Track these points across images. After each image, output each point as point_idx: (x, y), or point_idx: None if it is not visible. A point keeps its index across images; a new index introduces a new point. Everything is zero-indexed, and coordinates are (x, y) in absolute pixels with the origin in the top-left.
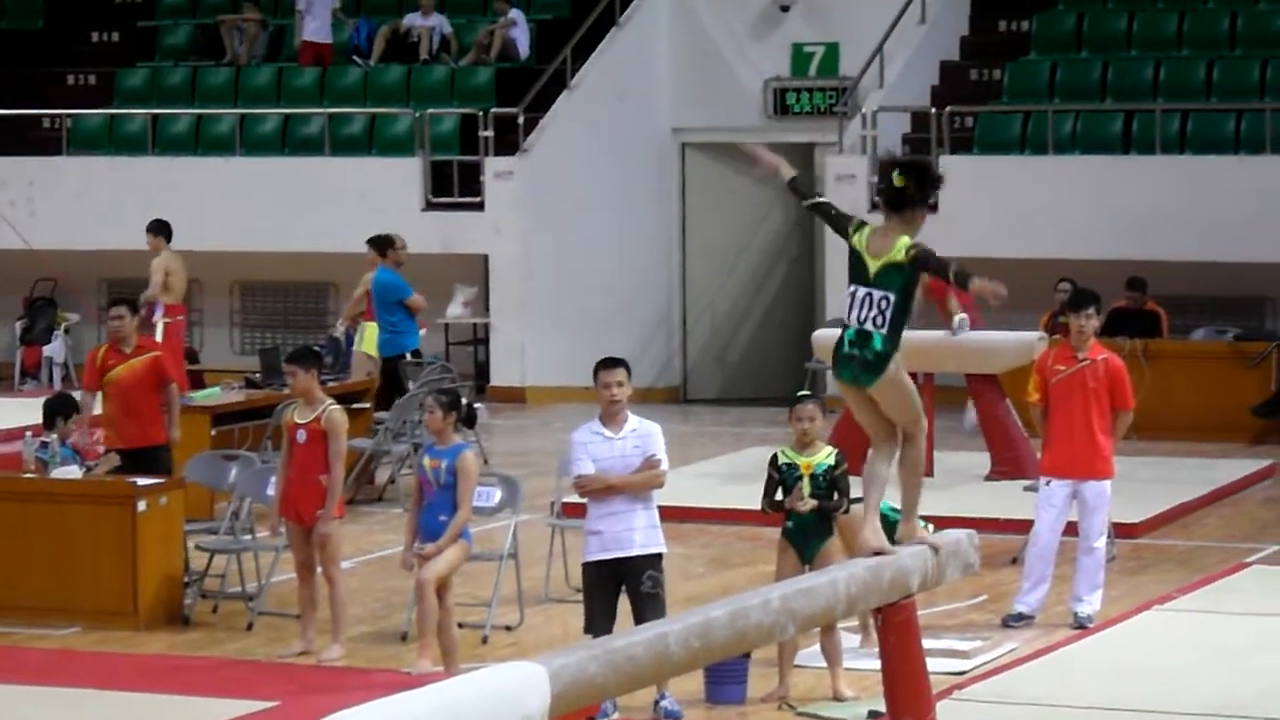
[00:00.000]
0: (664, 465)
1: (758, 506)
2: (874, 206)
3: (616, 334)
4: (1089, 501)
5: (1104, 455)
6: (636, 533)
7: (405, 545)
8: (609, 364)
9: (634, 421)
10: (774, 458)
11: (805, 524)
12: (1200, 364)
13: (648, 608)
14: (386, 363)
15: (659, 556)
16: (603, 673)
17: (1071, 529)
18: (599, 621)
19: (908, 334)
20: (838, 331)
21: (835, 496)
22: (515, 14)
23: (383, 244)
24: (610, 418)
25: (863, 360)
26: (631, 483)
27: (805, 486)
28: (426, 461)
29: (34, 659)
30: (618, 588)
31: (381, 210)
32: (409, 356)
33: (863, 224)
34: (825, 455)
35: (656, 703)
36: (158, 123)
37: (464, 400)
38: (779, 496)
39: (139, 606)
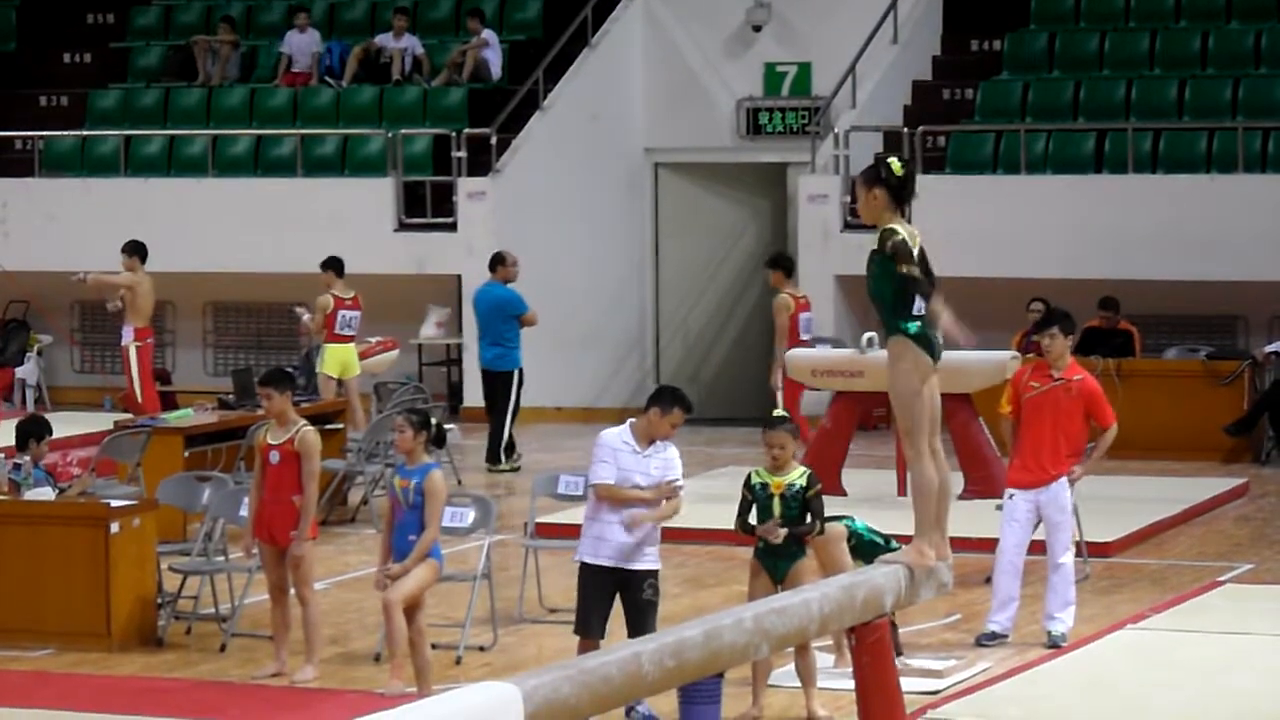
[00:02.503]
0: (683, 489)
1: (732, 526)
2: (847, 225)
3: (590, 354)
4: (1052, 517)
5: (1062, 469)
6: (642, 548)
7: (380, 565)
8: (689, 408)
9: (658, 443)
10: (748, 478)
11: (776, 544)
12: (1173, 383)
13: (647, 614)
14: (493, 378)
15: (656, 572)
16: (576, 693)
17: (1040, 548)
18: (594, 624)
19: (872, 356)
20: (811, 351)
21: (808, 517)
22: (488, 34)
23: (494, 260)
24: (645, 438)
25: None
26: (662, 515)
27: (776, 506)
28: (397, 481)
29: (7, 681)
30: (614, 594)
31: (354, 231)
32: (517, 373)
33: (894, 232)
34: (797, 475)
35: (630, 709)
36: (130, 144)
37: (434, 420)
38: (752, 519)
39: (112, 628)
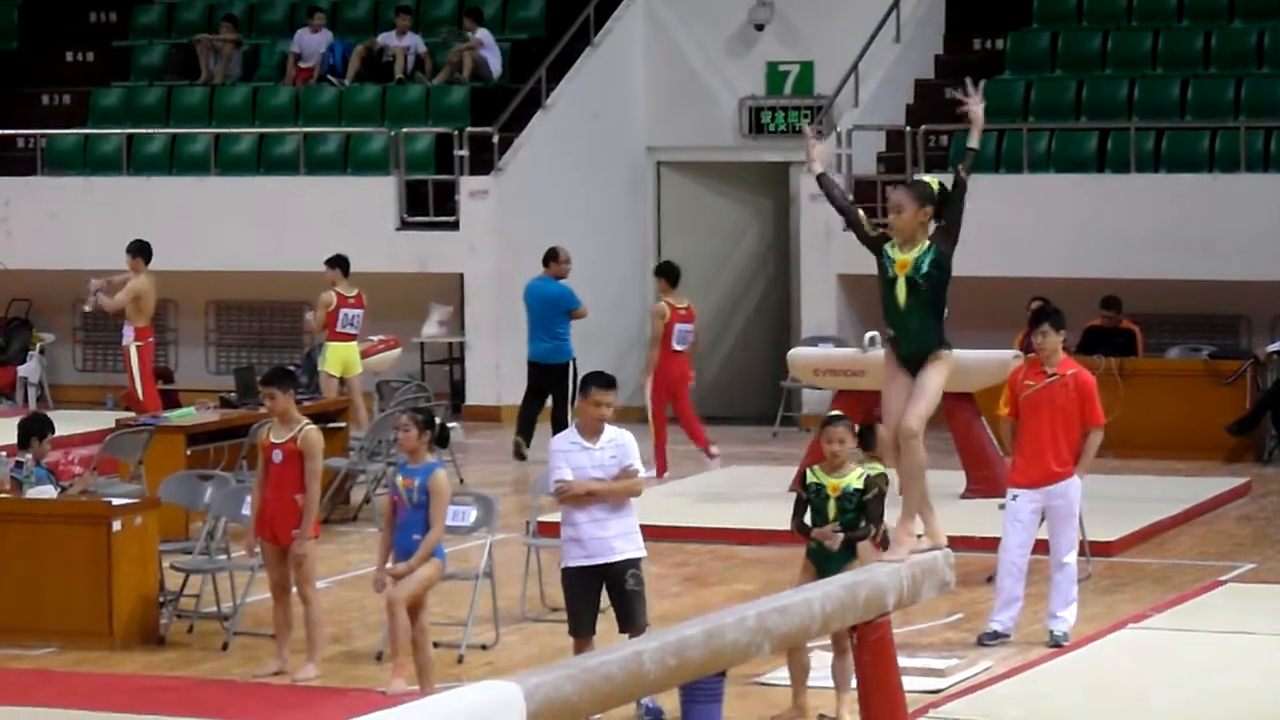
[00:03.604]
0: (641, 474)
1: (732, 525)
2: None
3: (591, 352)
4: (1056, 516)
5: (1068, 467)
6: (617, 540)
7: (379, 564)
8: (607, 384)
9: (610, 432)
10: (803, 476)
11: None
12: (1175, 382)
13: (632, 604)
14: (548, 370)
15: (639, 561)
16: (578, 692)
17: (1042, 547)
18: (584, 623)
19: (874, 355)
20: (813, 350)
21: (863, 522)
22: (483, 34)
23: (547, 256)
24: (591, 430)
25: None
26: (613, 489)
27: (832, 509)
28: (400, 480)
29: (8, 679)
30: (599, 590)
31: (356, 229)
32: (573, 364)
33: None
34: (855, 478)
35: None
36: (133, 142)
37: (437, 419)
38: (808, 519)
39: (114, 627)
